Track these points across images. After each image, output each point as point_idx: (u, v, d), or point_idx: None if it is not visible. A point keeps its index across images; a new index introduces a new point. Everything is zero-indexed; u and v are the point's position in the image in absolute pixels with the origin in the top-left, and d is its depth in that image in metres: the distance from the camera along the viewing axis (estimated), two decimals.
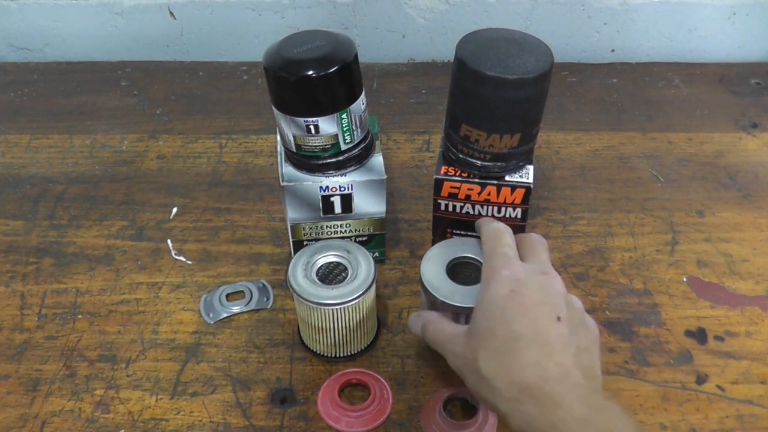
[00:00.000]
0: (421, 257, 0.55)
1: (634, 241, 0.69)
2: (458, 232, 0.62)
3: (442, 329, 0.50)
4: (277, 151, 0.66)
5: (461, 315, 0.51)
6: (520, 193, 0.58)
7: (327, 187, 0.58)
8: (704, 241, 0.69)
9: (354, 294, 0.53)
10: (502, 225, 0.51)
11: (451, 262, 0.55)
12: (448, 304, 0.51)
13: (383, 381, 0.56)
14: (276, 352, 0.59)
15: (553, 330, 0.43)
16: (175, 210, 0.73)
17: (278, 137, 0.61)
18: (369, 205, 0.60)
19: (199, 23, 0.96)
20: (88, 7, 0.94)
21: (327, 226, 0.61)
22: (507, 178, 0.58)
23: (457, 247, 0.56)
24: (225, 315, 0.62)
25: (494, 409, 0.43)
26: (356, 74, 0.56)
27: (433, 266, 0.54)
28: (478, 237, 0.53)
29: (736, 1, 0.93)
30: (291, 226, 0.61)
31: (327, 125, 0.56)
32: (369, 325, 0.57)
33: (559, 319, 0.43)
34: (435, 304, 0.52)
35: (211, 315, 0.62)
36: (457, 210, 0.60)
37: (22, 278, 0.65)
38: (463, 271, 0.56)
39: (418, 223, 0.71)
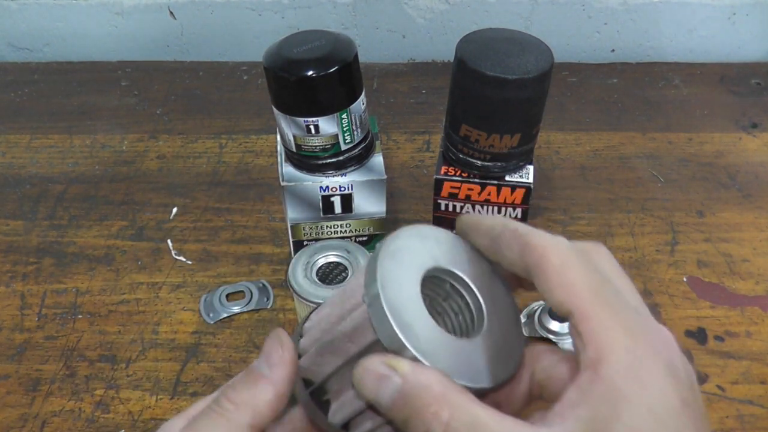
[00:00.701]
0: None
1: (634, 241, 0.69)
2: None
3: (478, 423, 0.25)
4: (277, 151, 0.66)
5: None
6: (520, 193, 0.58)
7: (327, 187, 0.58)
8: (704, 241, 0.69)
9: None
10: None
11: (425, 276, 0.30)
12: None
13: None
14: None
15: None
16: (175, 210, 0.73)
17: (278, 137, 0.61)
18: (369, 205, 0.60)
19: (199, 23, 0.96)
20: (88, 7, 0.94)
21: (327, 226, 0.61)
22: (507, 178, 0.58)
23: (430, 245, 0.31)
24: (225, 315, 0.62)
25: None
26: (356, 74, 0.56)
27: (400, 283, 0.28)
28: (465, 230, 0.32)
29: (736, 1, 0.93)
30: (291, 226, 0.61)
31: (327, 125, 0.56)
32: None
33: None
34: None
35: (211, 315, 0.62)
36: (458, 210, 0.60)
37: (22, 278, 0.65)
38: (436, 297, 0.32)
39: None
